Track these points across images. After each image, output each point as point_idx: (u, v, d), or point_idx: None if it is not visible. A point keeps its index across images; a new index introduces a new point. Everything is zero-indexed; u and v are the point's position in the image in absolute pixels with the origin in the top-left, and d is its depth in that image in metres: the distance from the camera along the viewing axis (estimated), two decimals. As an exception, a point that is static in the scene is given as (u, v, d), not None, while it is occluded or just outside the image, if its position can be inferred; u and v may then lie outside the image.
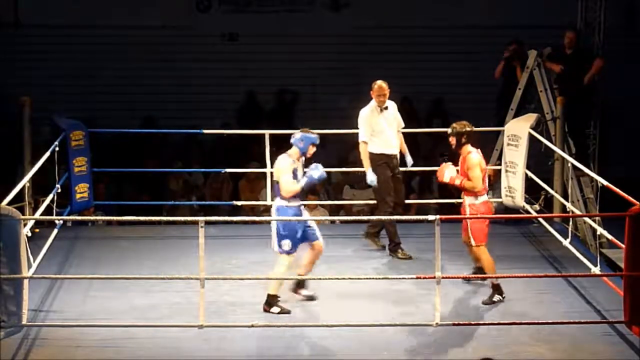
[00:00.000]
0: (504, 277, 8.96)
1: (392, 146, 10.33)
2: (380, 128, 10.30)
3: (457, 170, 9.28)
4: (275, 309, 8.70)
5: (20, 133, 11.09)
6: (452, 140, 9.24)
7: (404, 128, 10.54)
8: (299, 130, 8.94)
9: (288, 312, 8.68)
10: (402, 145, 10.47)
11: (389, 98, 10.40)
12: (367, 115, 10.34)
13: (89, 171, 11.26)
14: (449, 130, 9.30)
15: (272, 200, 9.08)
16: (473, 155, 9.19)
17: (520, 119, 11.55)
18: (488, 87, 13.26)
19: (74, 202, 11.11)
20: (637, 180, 11.38)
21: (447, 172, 9.25)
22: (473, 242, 9.08)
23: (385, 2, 16.21)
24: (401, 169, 10.41)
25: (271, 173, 11.06)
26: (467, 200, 9.18)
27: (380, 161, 10.25)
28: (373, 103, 10.39)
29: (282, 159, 8.84)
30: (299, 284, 9.01)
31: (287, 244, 8.73)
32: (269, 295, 8.75)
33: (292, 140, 8.88)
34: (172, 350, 8.01)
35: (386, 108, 10.38)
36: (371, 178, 10.17)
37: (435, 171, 13.98)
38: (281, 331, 8.27)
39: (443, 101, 16.18)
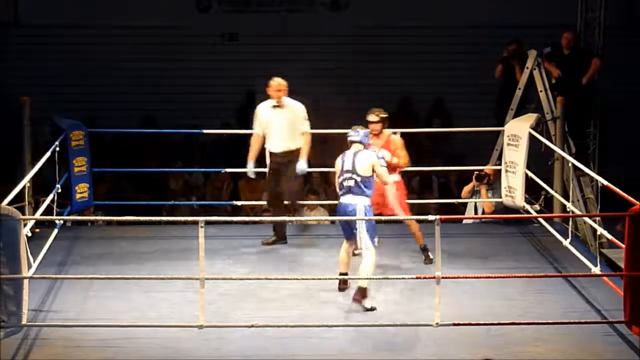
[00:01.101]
0: (504, 277, 8.95)
1: (276, 145, 10.36)
2: (269, 125, 10.38)
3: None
4: (368, 303, 8.73)
5: (20, 133, 11.09)
6: (378, 126, 9.76)
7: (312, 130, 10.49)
8: (356, 127, 9.13)
9: (375, 309, 8.77)
10: (301, 148, 10.39)
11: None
12: (259, 110, 10.49)
13: (89, 171, 11.26)
14: (374, 117, 9.78)
15: (352, 198, 9.00)
16: (395, 136, 9.98)
17: (520, 119, 11.55)
18: (488, 87, 13.26)
19: (74, 202, 11.11)
20: (637, 180, 11.38)
21: (384, 154, 9.49)
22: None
23: (385, 2, 16.22)
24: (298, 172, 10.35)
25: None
26: (392, 178, 9.68)
27: (268, 158, 10.45)
28: (270, 99, 10.48)
29: (371, 153, 9.04)
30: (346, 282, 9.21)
31: (377, 240, 8.95)
32: (362, 289, 8.76)
33: (357, 138, 9.02)
34: (172, 350, 8.00)
35: (280, 106, 10.38)
36: (249, 168, 10.46)
37: (434, 171, 14.13)
38: (281, 331, 8.26)
39: (443, 101, 16.20)
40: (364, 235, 8.86)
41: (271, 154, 10.47)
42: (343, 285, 9.14)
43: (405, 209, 9.92)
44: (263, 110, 10.45)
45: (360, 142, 9.03)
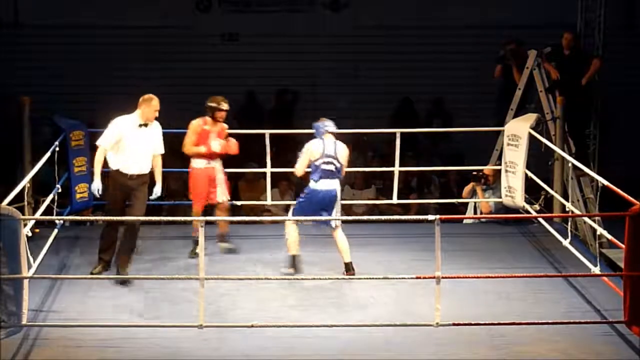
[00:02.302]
0: (504, 277, 8.95)
1: (131, 166, 9.56)
2: (128, 143, 9.59)
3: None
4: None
5: (20, 133, 11.09)
6: (224, 115, 10.35)
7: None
8: (324, 120, 9.80)
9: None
10: (156, 171, 9.77)
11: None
12: (119, 123, 9.67)
13: (89, 171, 11.25)
14: (226, 106, 10.34)
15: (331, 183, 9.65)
16: (225, 124, 10.48)
17: (520, 119, 11.55)
18: (488, 87, 13.26)
19: (74, 202, 11.11)
20: (637, 180, 11.38)
21: (215, 143, 10.27)
22: (226, 198, 10.39)
23: (385, 2, 16.22)
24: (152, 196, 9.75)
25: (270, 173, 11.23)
26: (214, 163, 10.37)
27: (117, 178, 9.59)
28: (136, 115, 9.66)
29: (343, 144, 9.75)
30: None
31: None
32: (349, 263, 9.61)
33: (333, 129, 9.73)
34: (172, 350, 8.00)
35: (146, 125, 9.64)
36: (96, 186, 9.62)
37: (433, 172, 14.13)
38: (281, 331, 8.27)
39: (443, 101, 16.19)
40: (338, 214, 9.65)
41: (121, 174, 9.59)
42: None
43: (228, 191, 10.55)
44: (124, 126, 9.61)
45: (333, 133, 9.70)
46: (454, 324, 8.22)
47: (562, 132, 11.46)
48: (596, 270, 9.28)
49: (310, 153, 9.65)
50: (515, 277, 8.96)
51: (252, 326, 8.21)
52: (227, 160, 10.61)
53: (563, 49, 12.02)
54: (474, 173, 11.88)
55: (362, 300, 9.00)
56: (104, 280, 9.15)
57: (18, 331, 8.16)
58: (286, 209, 13.04)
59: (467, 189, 11.99)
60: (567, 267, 9.89)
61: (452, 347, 8.10)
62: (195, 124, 10.35)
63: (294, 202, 9.96)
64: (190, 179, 10.40)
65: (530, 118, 11.31)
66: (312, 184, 9.64)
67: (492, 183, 11.82)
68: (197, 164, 10.35)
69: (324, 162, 9.60)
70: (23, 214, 9.50)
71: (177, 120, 11.54)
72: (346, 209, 13.27)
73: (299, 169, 9.77)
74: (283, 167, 11.53)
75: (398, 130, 11.31)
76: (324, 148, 9.61)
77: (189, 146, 10.32)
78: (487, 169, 11.89)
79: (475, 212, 12.08)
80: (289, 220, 9.70)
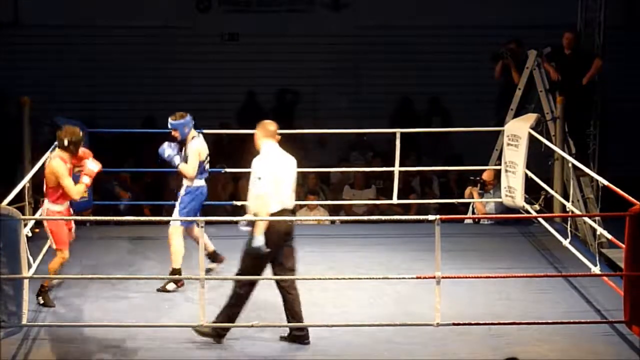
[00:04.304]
0: (504, 277, 8.95)
1: None
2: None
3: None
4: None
5: (20, 133, 11.08)
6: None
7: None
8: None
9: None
10: None
11: None
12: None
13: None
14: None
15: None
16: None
17: (520, 119, 11.55)
18: (488, 87, 13.26)
19: (74, 202, 11.07)
20: (637, 180, 11.37)
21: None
22: None
23: (385, 2, 16.22)
24: None
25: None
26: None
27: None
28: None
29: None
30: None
31: None
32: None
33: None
34: (172, 351, 8.00)
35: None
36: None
37: (433, 171, 14.13)
38: (281, 331, 8.26)
39: (443, 101, 16.20)
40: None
41: None
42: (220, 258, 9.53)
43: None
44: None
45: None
46: (454, 324, 8.22)
47: (562, 132, 11.46)
48: (596, 270, 9.28)
49: (200, 154, 9.30)
50: (515, 277, 8.96)
51: (252, 326, 8.21)
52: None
53: (564, 49, 12.01)
54: (472, 178, 11.88)
55: (362, 300, 9.00)
56: (104, 281, 9.14)
57: (18, 331, 8.16)
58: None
59: (466, 193, 12.00)
60: (567, 267, 9.89)
61: (452, 347, 8.10)
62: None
63: (176, 207, 9.33)
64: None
65: (530, 118, 11.31)
66: (197, 182, 9.30)
67: (490, 190, 11.81)
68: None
69: (207, 161, 9.42)
70: (23, 214, 9.50)
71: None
72: (346, 209, 13.29)
73: (194, 171, 9.26)
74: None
75: (398, 130, 11.30)
76: (205, 146, 9.40)
77: None
78: (486, 174, 11.87)
79: (474, 212, 12.06)
80: (176, 227, 9.22)
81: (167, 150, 9.37)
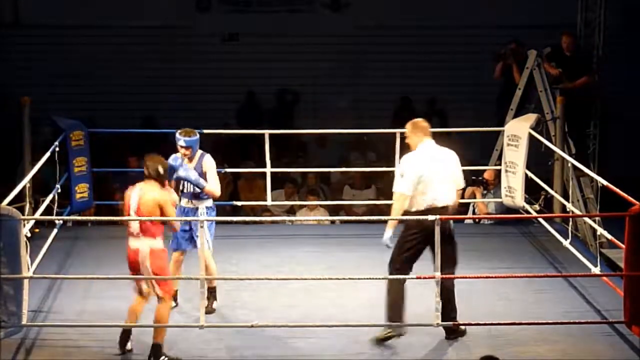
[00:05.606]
0: (504, 277, 8.95)
1: None
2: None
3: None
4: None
5: (20, 133, 11.09)
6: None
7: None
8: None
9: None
10: None
11: None
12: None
13: (89, 171, 11.26)
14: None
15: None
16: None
17: (520, 119, 11.55)
18: (488, 87, 13.26)
19: (74, 202, 11.10)
20: (637, 180, 11.37)
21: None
22: None
23: (385, 2, 16.22)
24: None
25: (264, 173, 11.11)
26: None
27: None
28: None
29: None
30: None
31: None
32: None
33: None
34: (172, 351, 7.99)
35: None
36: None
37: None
38: (281, 331, 8.26)
39: (442, 101, 16.19)
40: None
41: None
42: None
43: None
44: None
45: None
46: (454, 324, 8.22)
47: (562, 132, 11.46)
48: (596, 270, 9.28)
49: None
50: (515, 277, 8.95)
51: (252, 326, 8.20)
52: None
53: (563, 51, 12.01)
54: (474, 178, 11.87)
55: (362, 300, 9.00)
56: (104, 281, 9.14)
57: (18, 331, 8.16)
58: (289, 210, 13.05)
59: (467, 193, 11.99)
60: (567, 267, 9.89)
61: (452, 347, 8.10)
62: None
63: (204, 229, 8.33)
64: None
65: (530, 118, 11.31)
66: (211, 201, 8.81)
67: (492, 189, 11.81)
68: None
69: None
70: (23, 214, 9.50)
71: (177, 120, 11.57)
72: (346, 209, 13.29)
73: (219, 189, 8.79)
74: (283, 167, 11.54)
75: (398, 130, 11.30)
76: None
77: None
78: (488, 173, 11.87)
79: (474, 212, 12.06)
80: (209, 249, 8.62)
81: (191, 172, 8.61)
